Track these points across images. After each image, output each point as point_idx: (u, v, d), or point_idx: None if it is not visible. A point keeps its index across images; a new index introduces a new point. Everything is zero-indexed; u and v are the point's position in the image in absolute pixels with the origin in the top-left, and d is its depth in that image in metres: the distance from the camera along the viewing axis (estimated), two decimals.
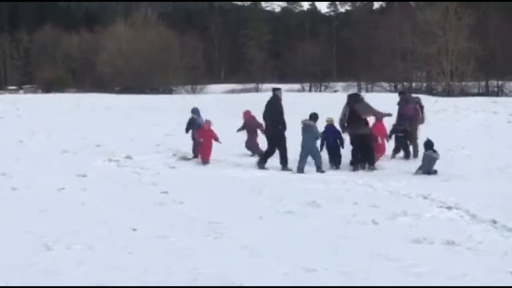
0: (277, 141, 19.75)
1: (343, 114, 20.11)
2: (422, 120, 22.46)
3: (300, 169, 19.04)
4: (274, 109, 20.01)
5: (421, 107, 22.84)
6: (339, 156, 20.01)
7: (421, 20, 75.82)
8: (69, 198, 13.77)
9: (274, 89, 20.95)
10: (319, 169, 19.17)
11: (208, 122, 20.95)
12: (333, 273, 8.47)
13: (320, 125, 19.94)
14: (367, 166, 19.60)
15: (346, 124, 19.90)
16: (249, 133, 22.48)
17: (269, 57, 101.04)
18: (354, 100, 20.44)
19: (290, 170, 19.14)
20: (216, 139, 20.60)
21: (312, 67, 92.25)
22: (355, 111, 19.95)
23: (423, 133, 21.31)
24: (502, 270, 8.67)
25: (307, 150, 19.29)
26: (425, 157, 19.14)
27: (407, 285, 7.98)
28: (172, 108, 37.41)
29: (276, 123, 19.87)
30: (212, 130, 20.66)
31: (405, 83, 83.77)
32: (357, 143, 19.69)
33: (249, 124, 22.52)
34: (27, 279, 8.01)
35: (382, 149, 21.31)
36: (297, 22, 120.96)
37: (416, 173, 18.72)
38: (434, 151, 18.97)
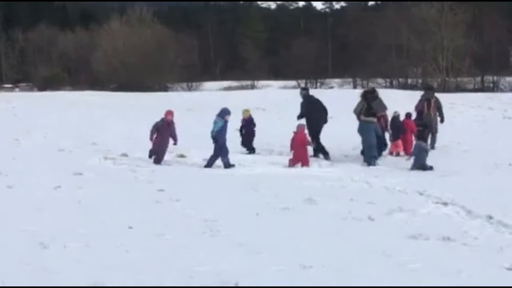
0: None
1: (359, 108, 20.44)
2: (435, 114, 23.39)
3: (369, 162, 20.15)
4: (315, 106, 20.73)
5: (428, 103, 23.67)
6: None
7: (417, 17, 75.83)
8: (65, 197, 13.75)
9: (304, 89, 22.00)
10: (369, 163, 20.07)
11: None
12: (329, 269, 8.47)
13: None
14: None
15: (361, 117, 20.67)
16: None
17: (264, 54, 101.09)
18: (371, 97, 21.20)
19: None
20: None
21: (307, 64, 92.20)
22: (371, 107, 20.36)
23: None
24: (498, 266, 8.68)
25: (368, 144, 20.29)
26: (415, 147, 19.28)
27: (404, 282, 7.99)
28: (168, 106, 37.23)
29: (319, 119, 20.57)
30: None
31: (400, 79, 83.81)
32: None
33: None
34: (23, 277, 8.00)
35: (409, 145, 21.81)
36: (292, 19, 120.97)
37: (412, 168, 18.75)
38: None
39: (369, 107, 20.72)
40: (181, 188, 15.19)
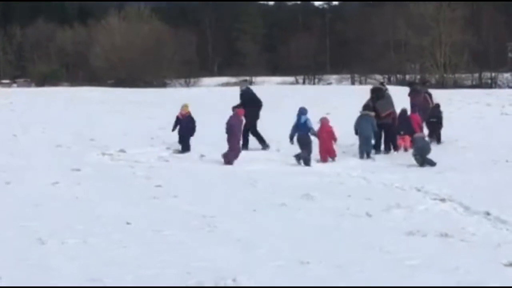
0: None
1: (367, 106, 21.38)
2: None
3: (362, 155, 20.31)
4: (252, 100, 20.97)
5: (430, 95, 24.00)
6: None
7: (415, 13, 75.84)
8: (63, 193, 13.76)
9: (245, 81, 22.18)
10: (368, 155, 20.31)
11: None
12: (327, 265, 8.48)
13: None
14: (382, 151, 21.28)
15: (360, 111, 21.10)
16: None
17: (262, 50, 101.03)
18: (377, 96, 21.75)
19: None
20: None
21: (305, 60, 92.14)
22: (376, 108, 21.32)
23: None
24: (495, 262, 8.70)
25: (364, 137, 20.39)
26: (419, 140, 19.35)
27: (401, 278, 8.00)
28: (166, 102, 37.36)
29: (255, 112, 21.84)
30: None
31: (398, 75, 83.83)
32: (380, 130, 21.09)
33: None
34: (21, 273, 8.01)
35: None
36: (290, 15, 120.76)
37: (416, 158, 18.79)
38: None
39: (372, 105, 21.34)
40: (178, 184, 15.20)
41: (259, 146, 21.85)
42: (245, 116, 20.78)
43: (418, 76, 79.11)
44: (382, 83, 24.90)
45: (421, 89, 25.09)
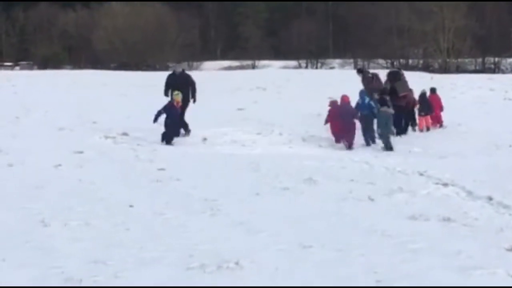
0: None
1: (385, 89, 22.02)
2: None
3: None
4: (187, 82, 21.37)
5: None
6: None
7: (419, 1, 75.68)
8: (66, 175, 13.76)
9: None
10: (373, 140, 20.83)
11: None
12: (329, 249, 8.49)
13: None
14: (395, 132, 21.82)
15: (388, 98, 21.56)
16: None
17: (265, 34, 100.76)
18: (394, 78, 22.74)
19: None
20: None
21: (308, 44, 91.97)
22: (394, 88, 22.01)
23: None
24: (498, 247, 8.70)
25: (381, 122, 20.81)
26: (381, 115, 19.88)
27: (404, 262, 8.00)
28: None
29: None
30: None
31: (401, 60, 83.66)
32: (395, 113, 21.31)
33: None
34: (23, 255, 8.02)
35: (438, 119, 24.03)
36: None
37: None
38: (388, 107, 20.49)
39: (393, 87, 22.15)
40: (181, 168, 15.20)
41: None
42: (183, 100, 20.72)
43: (421, 61, 79.12)
44: (399, 68, 25.86)
45: (371, 74, 25.77)
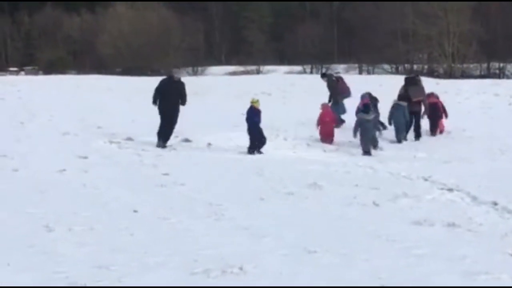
0: None
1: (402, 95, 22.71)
2: None
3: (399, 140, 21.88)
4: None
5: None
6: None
7: (422, 1, 75.54)
8: (70, 180, 13.77)
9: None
10: (399, 141, 21.73)
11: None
12: (333, 254, 8.47)
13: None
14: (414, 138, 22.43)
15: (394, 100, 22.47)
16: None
17: (270, 39, 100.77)
18: (409, 83, 23.24)
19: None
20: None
21: (313, 48, 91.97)
22: (408, 93, 22.65)
23: None
24: (502, 252, 8.68)
25: (397, 125, 21.88)
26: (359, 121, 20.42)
27: (408, 268, 7.99)
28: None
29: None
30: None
31: (406, 65, 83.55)
32: (411, 118, 22.32)
33: None
34: (27, 260, 8.02)
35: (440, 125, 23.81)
36: (297, 3, 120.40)
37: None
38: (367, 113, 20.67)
39: (407, 92, 22.59)
40: (185, 172, 15.21)
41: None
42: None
43: (426, 66, 79.04)
44: (416, 74, 26.65)
45: (335, 77, 26.24)
